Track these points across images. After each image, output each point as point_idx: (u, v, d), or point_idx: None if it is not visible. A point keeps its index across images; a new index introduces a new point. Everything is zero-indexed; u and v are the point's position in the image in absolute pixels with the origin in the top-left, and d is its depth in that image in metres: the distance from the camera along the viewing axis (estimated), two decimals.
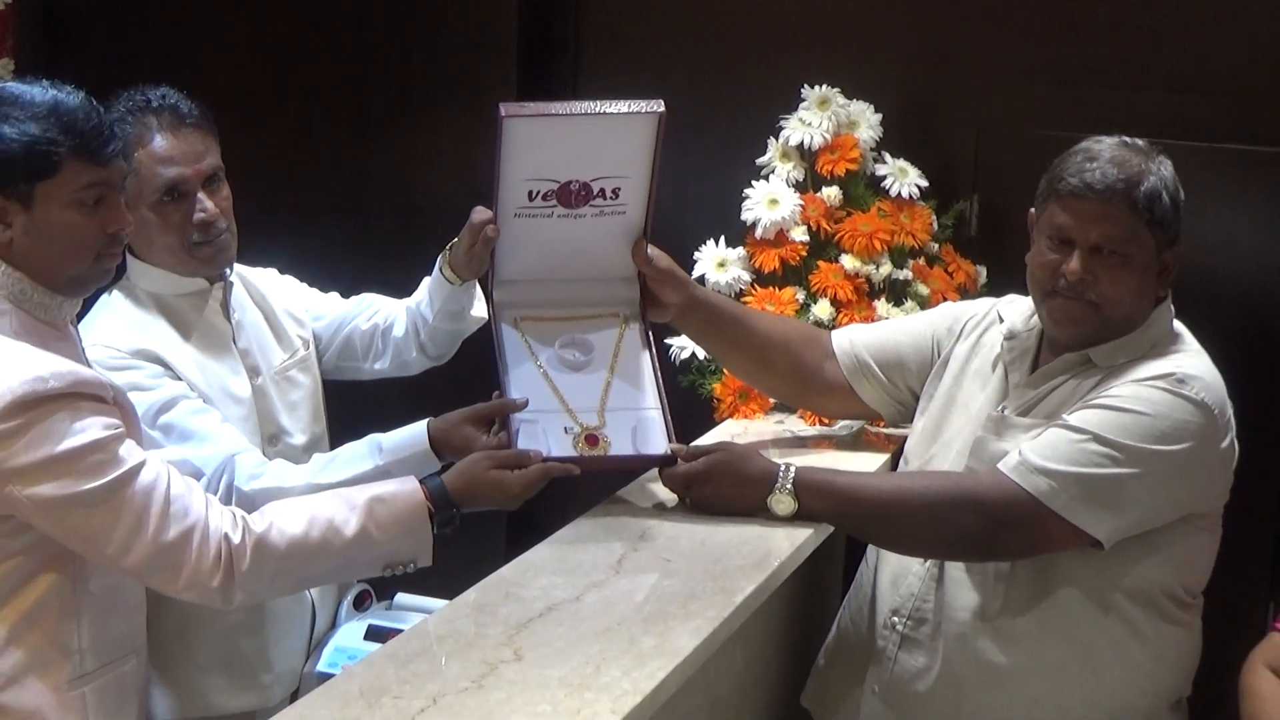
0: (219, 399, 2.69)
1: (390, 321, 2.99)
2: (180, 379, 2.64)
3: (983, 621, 2.54)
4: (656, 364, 2.76)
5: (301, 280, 3.05)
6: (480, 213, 2.73)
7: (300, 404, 2.88)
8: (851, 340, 2.88)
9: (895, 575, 2.66)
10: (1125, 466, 2.39)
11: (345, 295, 3.09)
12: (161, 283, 2.73)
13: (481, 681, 1.98)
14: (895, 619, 2.64)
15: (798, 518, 2.55)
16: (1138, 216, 2.43)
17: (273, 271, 3.01)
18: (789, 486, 2.54)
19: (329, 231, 3.53)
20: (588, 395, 2.70)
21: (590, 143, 2.68)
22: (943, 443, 2.68)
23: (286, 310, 2.93)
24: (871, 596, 2.72)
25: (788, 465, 2.57)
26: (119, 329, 2.66)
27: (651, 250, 2.78)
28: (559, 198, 2.69)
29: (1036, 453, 2.42)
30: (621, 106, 2.69)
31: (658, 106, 2.67)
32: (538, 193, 2.69)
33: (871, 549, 2.77)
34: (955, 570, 2.57)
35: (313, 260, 3.14)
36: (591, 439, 2.64)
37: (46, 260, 2.22)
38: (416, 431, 2.65)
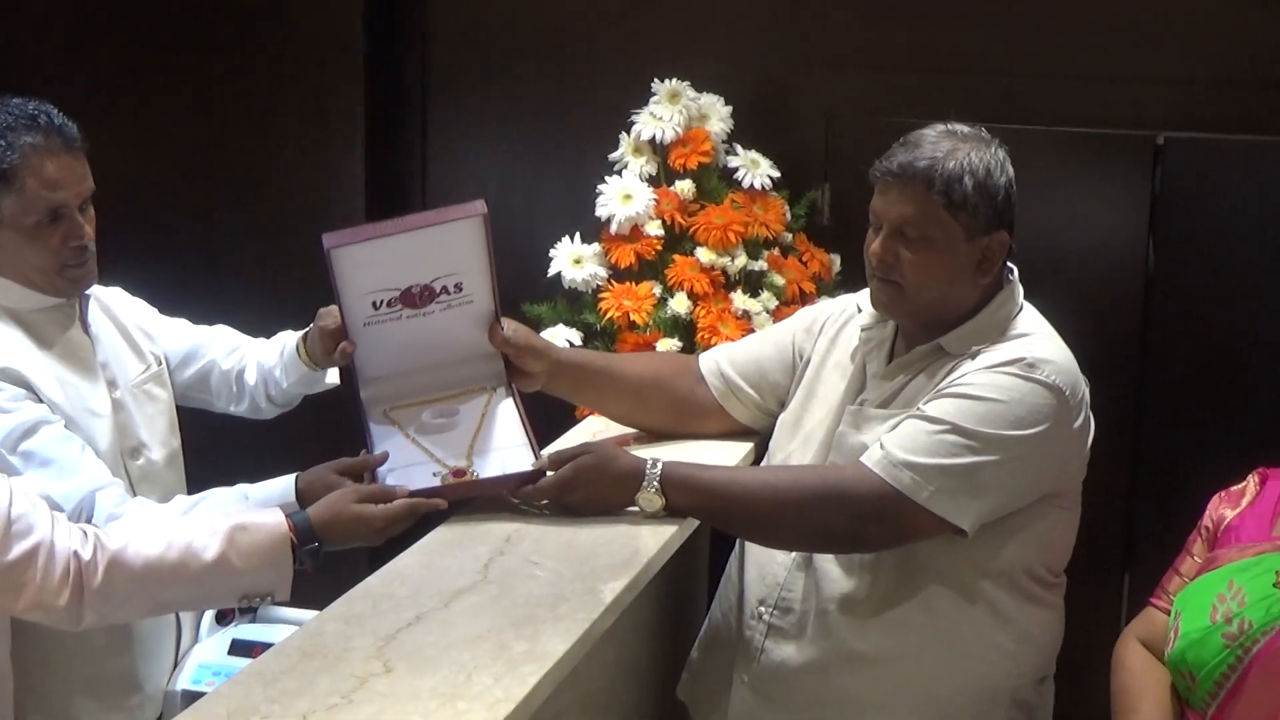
0: (80, 415, 2.63)
1: (243, 366, 2.96)
2: (42, 400, 2.57)
3: (848, 609, 2.56)
4: (525, 417, 2.75)
5: (153, 301, 2.99)
6: (327, 317, 2.75)
7: (157, 418, 2.82)
8: (718, 361, 2.89)
9: (761, 566, 2.68)
10: (984, 454, 2.42)
11: (198, 313, 3.04)
12: (19, 298, 2.65)
13: (351, 696, 1.95)
14: (762, 609, 2.66)
15: (666, 514, 2.55)
16: (934, 199, 2.46)
17: (119, 290, 2.95)
18: (656, 484, 2.53)
19: (177, 248, 3.45)
20: (455, 446, 2.70)
21: (420, 252, 2.67)
22: (803, 436, 2.70)
23: (138, 325, 2.88)
24: (739, 587, 2.74)
25: (654, 461, 2.56)
26: None
27: (508, 326, 2.76)
28: (403, 302, 2.69)
29: (897, 445, 2.44)
30: (443, 216, 2.69)
31: (479, 209, 2.65)
32: (382, 301, 2.68)
33: (740, 541, 2.78)
34: (821, 560, 2.59)
35: (163, 278, 3.07)
36: (459, 473, 2.63)
37: None
38: (284, 484, 2.62)
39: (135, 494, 2.64)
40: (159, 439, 2.80)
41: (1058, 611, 2.65)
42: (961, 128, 2.54)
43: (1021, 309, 2.60)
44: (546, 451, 2.70)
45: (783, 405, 2.81)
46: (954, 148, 2.49)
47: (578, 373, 2.87)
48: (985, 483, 2.44)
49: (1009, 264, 2.60)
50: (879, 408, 2.57)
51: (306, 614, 2.85)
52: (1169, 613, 2.49)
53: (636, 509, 2.57)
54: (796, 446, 2.70)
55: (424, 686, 1.97)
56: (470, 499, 2.64)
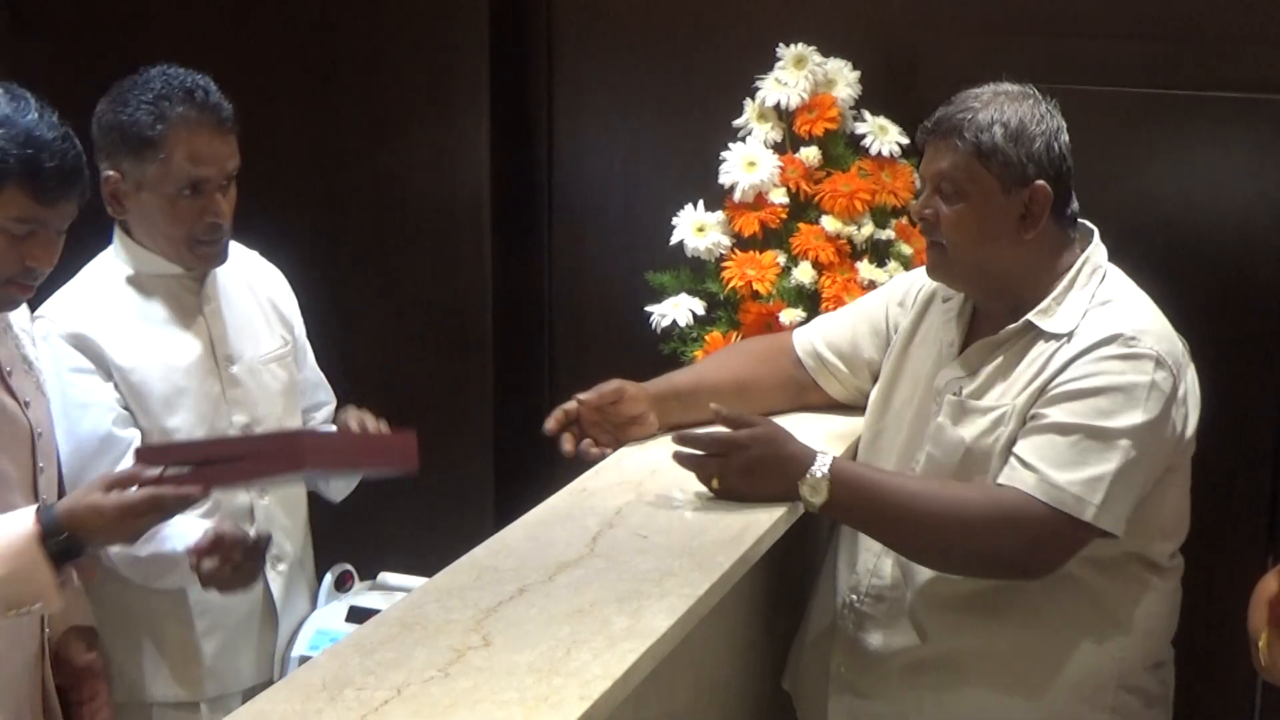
0: (161, 388, 2.67)
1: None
2: (112, 373, 2.63)
3: (941, 597, 2.50)
4: None
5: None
6: None
7: (276, 398, 2.84)
8: (812, 340, 2.82)
9: (852, 553, 2.61)
10: (1126, 452, 2.34)
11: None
12: (144, 262, 2.71)
13: (448, 669, 1.92)
14: (854, 597, 2.60)
15: (823, 511, 2.44)
16: (964, 150, 2.41)
17: (275, 270, 2.98)
18: (825, 471, 2.41)
19: (299, 234, 3.45)
20: None
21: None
22: (892, 415, 2.63)
23: (275, 304, 2.91)
24: (833, 576, 2.67)
25: (824, 452, 2.46)
26: (71, 306, 2.67)
27: (591, 392, 2.72)
28: None
29: (1047, 464, 2.34)
30: (383, 459, 2.68)
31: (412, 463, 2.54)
32: None
33: (837, 527, 2.70)
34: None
35: (284, 265, 3.08)
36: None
37: None
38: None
39: None
40: (275, 418, 2.82)
41: (1169, 595, 2.56)
42: (1010, 86, 2.48)
43: (1105, 274, 2.50)
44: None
45: (875, 380, 2.74)
46: (989, 101, 2.43)
47: (675, 398, 2.78)
48: (1132, 480, 2.36)
49: (1086, 223, 2.53)
50: (974, 399, 2.47)
51: (421, 582, 2.84)
52: None
53: (793, 497, 2.44)
54: (888, 425, 2.63)
55: (521, 661, 1.94)
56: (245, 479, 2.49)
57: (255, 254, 2.96)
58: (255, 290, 2.88)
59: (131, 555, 2.55)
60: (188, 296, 2.75)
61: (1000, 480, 2.38)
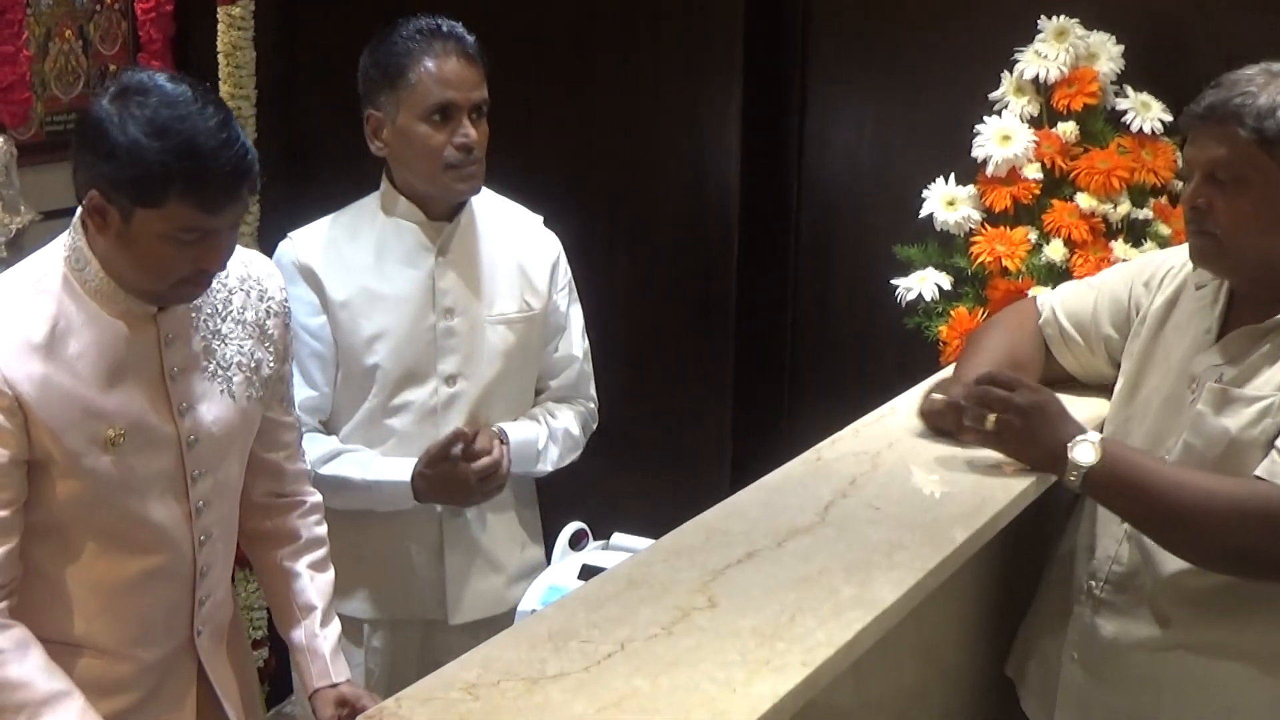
0: (372, 319, 2.83)
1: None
2: (326, 305, 2.82)
3: (1185, 589, 2.41)
4: None
5: None
6: None
7: (495, 358, 2.90)
8: (1053, 306, 2.74)
9: (1094, 538, 2.53)
10: None
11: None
12: (399, 208, 2.86)
13: (671, 628, 1.93)
14: (1093, 583, 2.52)
15: (1086, 480, 2.34)
16: (1245, 138, 2.28)
17: (550, 238, 3.03)
18: (1096, 441, 2.34)
19: (553, 216, 3.49)
20: None
21: None
22: (1140, 401, 2.53)
23: (523, 269, 2.95)
24: (1071, 561, 2.60)
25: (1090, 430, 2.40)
26: (310, 236, 2.88)
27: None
28: None
29: None
30: None
31: None
32: None
33: (1077, 510, 2.63)
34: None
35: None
36: None
37: (126, 268, 2.17)
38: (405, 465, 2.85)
39: (443, 417, 2.86)
40: (488, 377, 2.90)
41: None
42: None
43: None
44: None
45: (1112, 361, 2.65)
46: (1267, 83, 2.30)
47: None
48: None
49: None
50: (1238, 387, 2.37)
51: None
52: None
53: (1058, 464, 2.36)
54: (1136, 411, 2.53)
55: (745, 625, 1.94)
56: None
57: (538, 220, 3.03)
58: (509, 251, 2.94)
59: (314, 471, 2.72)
60: (425, 244, 2.85)
61: (1259, 473, 2.29)
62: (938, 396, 2.58)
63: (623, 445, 4.07)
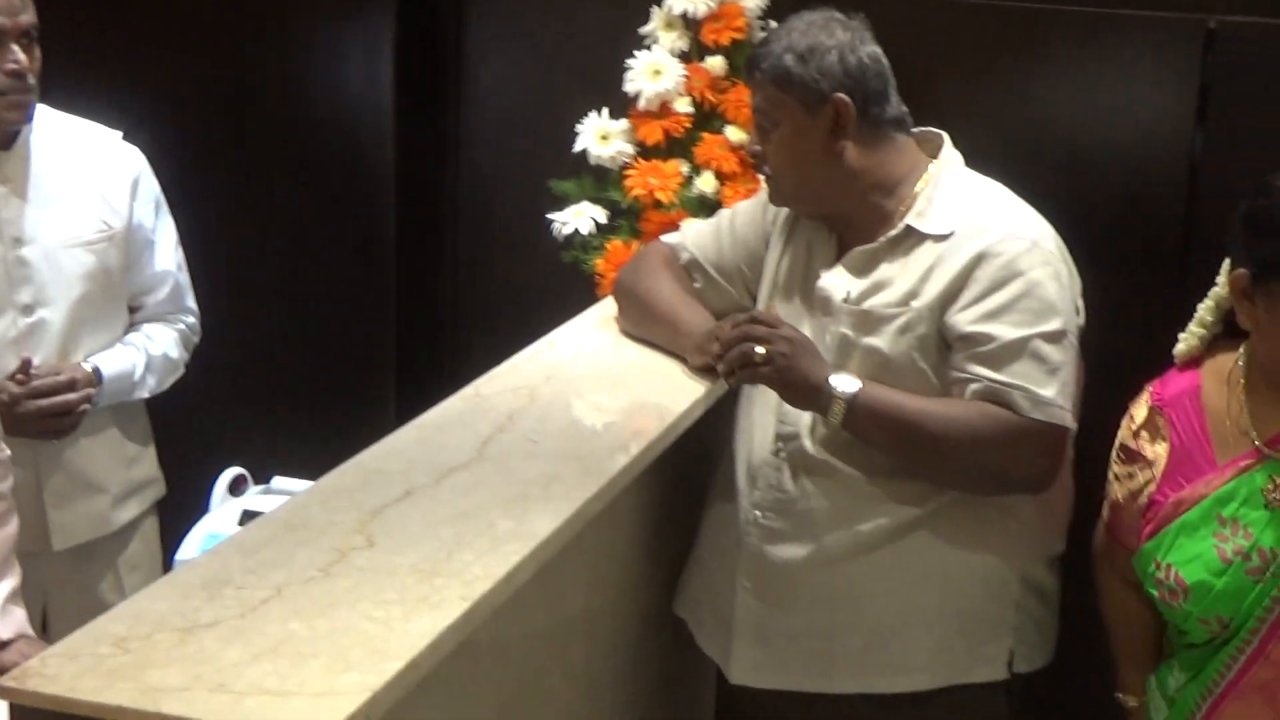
0: None
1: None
2: None
3: (846, 501, 2.50)
4: None
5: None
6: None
7: (77, 282, 2.84)
8: (693, 253, 2.81)
9: (752, 467, 2.60)
10: (1069, 348, 2.43)
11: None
12: None
13: (329, 570, 1.92)
14: (757, 512, 2.58)
15: (849, 411, 2.40)
16: (767, 80, 2.51)
17: (133, 153, 2.92)
18: (854, 378, 2.43)
19: (201, 125, 3.38)
20: None
21: None
22: None
23: (101, 189, 2.88)
24: (732, 491, 2.65)
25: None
26: None
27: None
28: None
29: (1023, 380, 2.38)
30: None
31: None
32: None
33: (731, 445, 2.71)
34: (813, 454, 2.51)
35: (188, 152, 3.03)
36: None
37: None
38: None
39: (27, 347, 2.78)
40: (68, 302, 2.83)
41: (1067, 489, 2.60)
42: (818, 13, 2.56)
43: (965, 175, 2.57)
44: None
45: (750, 295, 2.75)
46: (784, 31, 2.55)
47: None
48: (1073, 373, 2.44)
49: (934, 129, 2.60)
50: (872, 306, 2.48)
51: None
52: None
53: (825, 395, 2.41)
54: None
55: (403, 562, 1.94)
56: None
57: (116, 135, 2.95)
58: (82, 172, 2.88)
59: None
60: None
61: (974, 397, 2.41)
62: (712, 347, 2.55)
63: (283, 386, 4.02)
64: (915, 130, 2.60)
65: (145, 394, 2.97)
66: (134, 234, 2.92)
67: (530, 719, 2.32)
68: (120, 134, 2.96)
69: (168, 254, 3.00)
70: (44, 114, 2.85)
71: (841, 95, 2.48)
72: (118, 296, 2.93)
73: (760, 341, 2.41)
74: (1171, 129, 3.48)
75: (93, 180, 2.87)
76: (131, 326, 2.98)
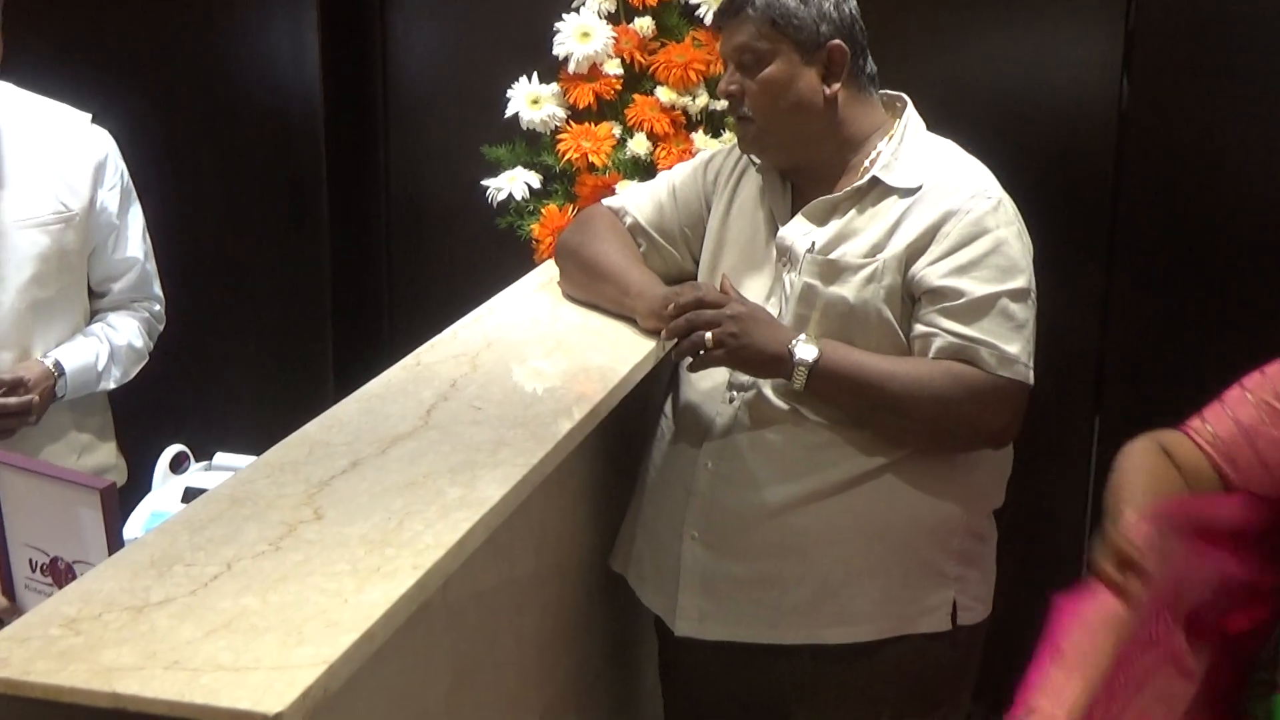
0: None
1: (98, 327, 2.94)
2: None
3: (796, 449, 2.52)
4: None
5: None
6: None
7: (29, 262, 2.77)
8: (635, 218, 2.81)
9: (704, 415, 2.61)
10: (1031, 305, 2.48)
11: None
12: None
13: (279, 544, 1.91)
14: (707, 461, 2.60)
15: (812, 375, 2.43)
16: (758, 18, 2.50)
17: (100, 136, 2.90)
18: (810, 338, 2.45)
19: (131, 101, 3.32)
20: None
21: (58, 511, 2.34)
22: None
23: (59, 170, 2.82)
24: (679, 442, 2.67)
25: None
26: None
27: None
28: (53, 575, 2.36)
29: (990, 336, 2.42)
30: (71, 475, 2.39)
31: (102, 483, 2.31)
32: (36, 564, 2.37)
33: (673, 398, 2.72)
34: (763, 400, 2.54)
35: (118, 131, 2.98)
36: None
37: None
38: None
39: None
40: (20, 282, 2.76)
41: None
42: None
43: (923, 132, 2.61)
44: None
45: (693, 257, 2.76)
46: None
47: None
48: (1033, 329, 2.49)
49: (897, 92, 2.63)
50: (836, 256, 2.50)
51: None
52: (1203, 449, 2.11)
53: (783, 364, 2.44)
54: None
55: (353, 533, 1.93)
56: None
57: (84, 118, 2.89)
58: (42, 151, 2.82)
59: None
60: None
61: (938, 355, 2.44)
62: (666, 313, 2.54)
63: (221, 363, 4.00)
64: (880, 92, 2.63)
65: (111, 385, 2.90)
66: (96, 218, 2.86)
67: (485, 683, 2.33)
68: (89, 116, 2.89)
69: (135, 241, 2.95)
70: (7, 92, 2.80)
71: (839, 42, 2.51)
72: (76, 280, 2.87)
73: (708, 326, 2.42)
74: (1098, 78, 3.52)
75: (53, 161, 2.81)
76: (96, 314, 2.93)
